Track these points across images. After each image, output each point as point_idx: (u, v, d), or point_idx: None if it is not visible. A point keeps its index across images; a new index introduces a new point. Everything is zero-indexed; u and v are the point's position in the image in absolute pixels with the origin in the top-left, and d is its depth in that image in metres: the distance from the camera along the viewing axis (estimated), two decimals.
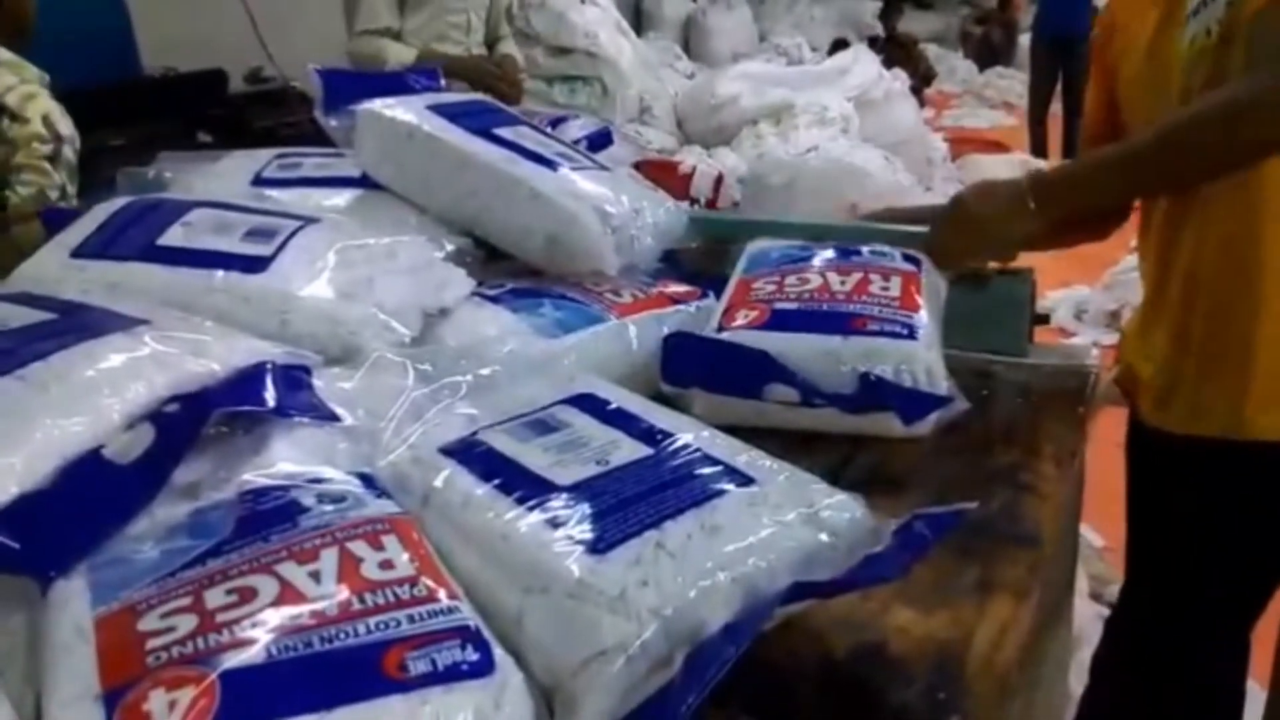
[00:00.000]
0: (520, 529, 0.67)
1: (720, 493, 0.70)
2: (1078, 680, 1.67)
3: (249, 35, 3.53)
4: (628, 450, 0.75)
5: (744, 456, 0.76)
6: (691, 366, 1.01)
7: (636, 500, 0.69)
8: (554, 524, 0.66)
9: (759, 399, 0.99)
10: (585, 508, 0.68)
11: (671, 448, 0.76)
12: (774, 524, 0.68)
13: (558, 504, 0.68)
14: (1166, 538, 1.34)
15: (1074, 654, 1.70)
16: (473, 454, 0.75)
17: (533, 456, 0.74)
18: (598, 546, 0.64)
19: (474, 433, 0.78)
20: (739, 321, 1.05)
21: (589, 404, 0.82)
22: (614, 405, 0.83)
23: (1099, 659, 1.49)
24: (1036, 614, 0.78)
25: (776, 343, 1.01)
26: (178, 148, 1.48)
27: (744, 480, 0.72)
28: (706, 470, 0.73)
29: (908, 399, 0.97)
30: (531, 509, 0.68)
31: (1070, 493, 1.08)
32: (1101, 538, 2.26)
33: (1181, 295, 1.23)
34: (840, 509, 0.71)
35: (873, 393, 0.97)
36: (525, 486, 0.70)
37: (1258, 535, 1.26)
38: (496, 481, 0.71)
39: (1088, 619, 1.99)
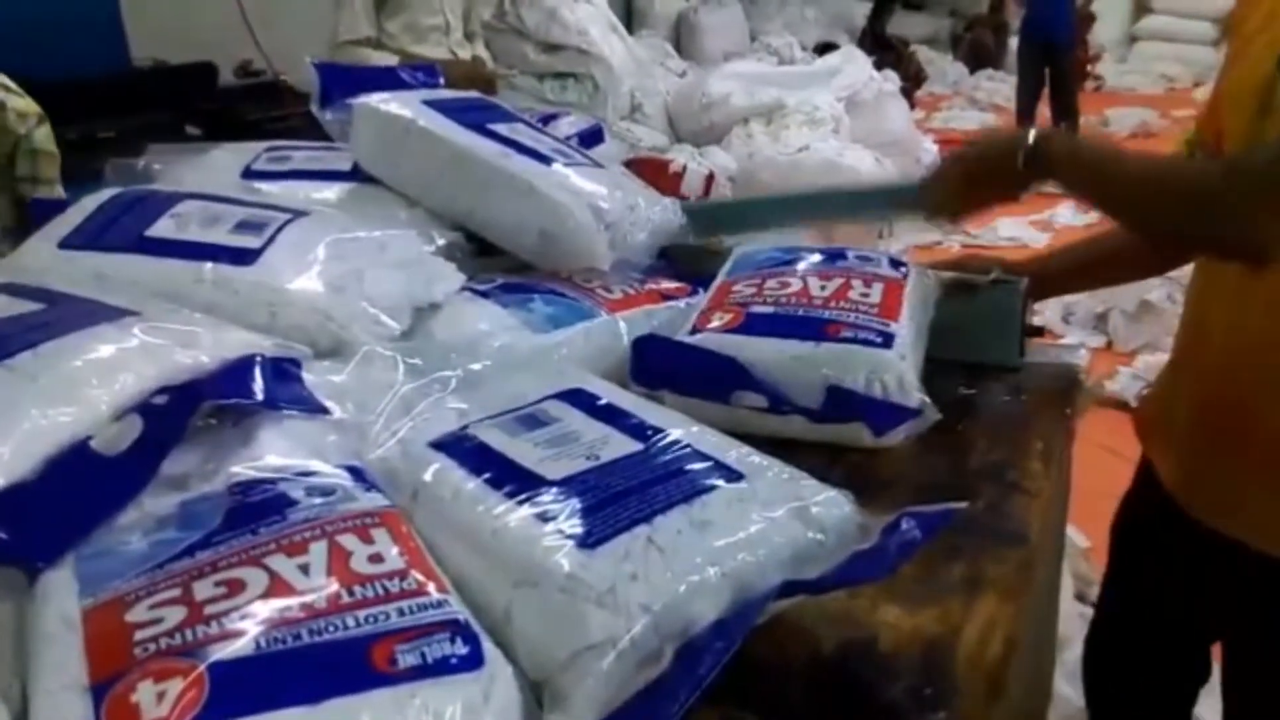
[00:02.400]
0: (510, 523, 0.67)
1: (710, 488, 0.70)
2: (1064, 680, 1.68)
3: (239, 28, 3.51)
4: (618, 445, 0.75)
5: (734, 453, 0.76)
6: (660, 368, 1.00)
7: (626, 495, 0.69)
8: (544, 518, 0.66)
9: (727, 404, 0.98)
10: (575, 502, 0.68)
11: (661, 443, 0.76)
12: (763, 520, 0.68)
13: (547, 499, 0.68)
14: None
15: (1060, 654, 1.71)
16: (462, 448, 0.75)
17: (523, 451, 0.74)
18: (587, 541, 0.64)
19: (464, 427, 0.78)
20: (713, 324, 1.04)
21: (579, 399, 0.82)
22: (604, 401, 0.83)
23: None
24: (1023, 612, 0.78)
25: (748, 347, 1.00)
26: (166, 140, 1.47)
27: (734, 476, 0.72)
28: (696, 466, 0.73)
29: (877, 410, 0.96)
30: (521, 503, 0.68)
31: (1057, 491, 1.08)
32: (1086, 538, 2.27)
33: (1231, 363, 1.07)
34: (829, 505, 0.72)
35: (840, 404, 0.96)
36: (515, 481, 0.70)
37: None
38: (486, 476, 0.71)
39: (1073, 619, 2.00)
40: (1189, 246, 1.07)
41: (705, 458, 0.74)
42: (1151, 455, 1.22)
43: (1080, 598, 2.13)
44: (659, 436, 0.77)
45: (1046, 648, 1.46)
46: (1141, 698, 1.27)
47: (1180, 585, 1.17)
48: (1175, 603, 1.19)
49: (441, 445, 0.75)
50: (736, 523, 0.67)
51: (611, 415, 0.80)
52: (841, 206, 1.44)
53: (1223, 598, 1.12)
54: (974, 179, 1.12)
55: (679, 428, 0.79)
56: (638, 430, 0.77)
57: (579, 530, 0.65)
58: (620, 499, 0.68)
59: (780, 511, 0.69)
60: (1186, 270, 1.20)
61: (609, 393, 0.85)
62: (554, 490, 0.69)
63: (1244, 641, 1.13)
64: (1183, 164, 1.10)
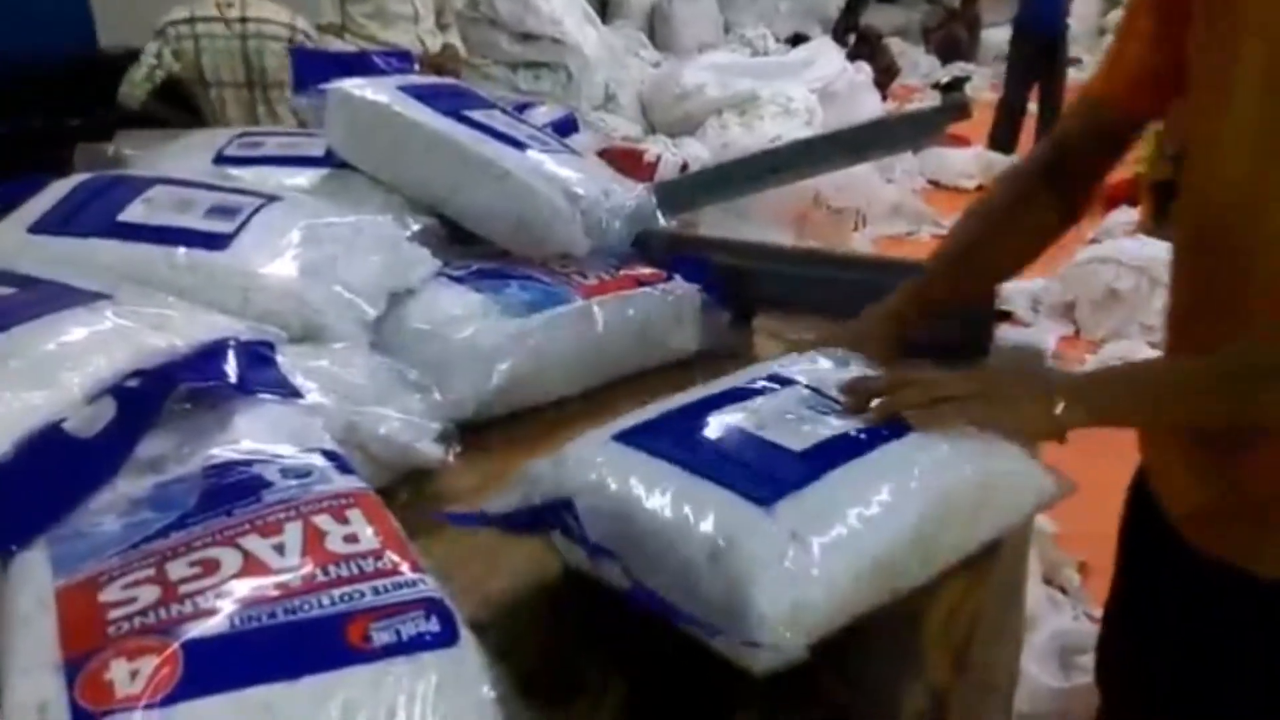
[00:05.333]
0: None
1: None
2: (1032, 660, 1.71)
3: None
4: None
5: None
6: None
7: None
8: None
9: None
10: None
11: None
12: None
13: None
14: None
15: (1028, 636, 1.74)
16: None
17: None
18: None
19: None
20: None
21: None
22: None
23: None
24: (989, 590, 0.80)
25: None
26: (135, 127, 1.46)
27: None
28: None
29: None
30: None
31: None
32: (1053, 524, 2.31)
33: None
34: None
35: None
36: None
37: None
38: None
39: (1041, 602, 2.04)
40: None
41: None
42: (1154, 482, 1.09)
43: (1048, 581, 2.17)
44: None
45: (1014, 628, 1.49)
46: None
47: (1177, 615, 1.06)
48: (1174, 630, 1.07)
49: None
50: None
51: None
52: (814, 156, 1.44)
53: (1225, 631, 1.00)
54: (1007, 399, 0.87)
55: None
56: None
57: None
58: None
59: None
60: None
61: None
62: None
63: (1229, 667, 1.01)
64: (1233, 356, 0.89)
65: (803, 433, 0.75)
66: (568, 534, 0.72)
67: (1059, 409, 0.84)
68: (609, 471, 0.71)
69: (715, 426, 0.76)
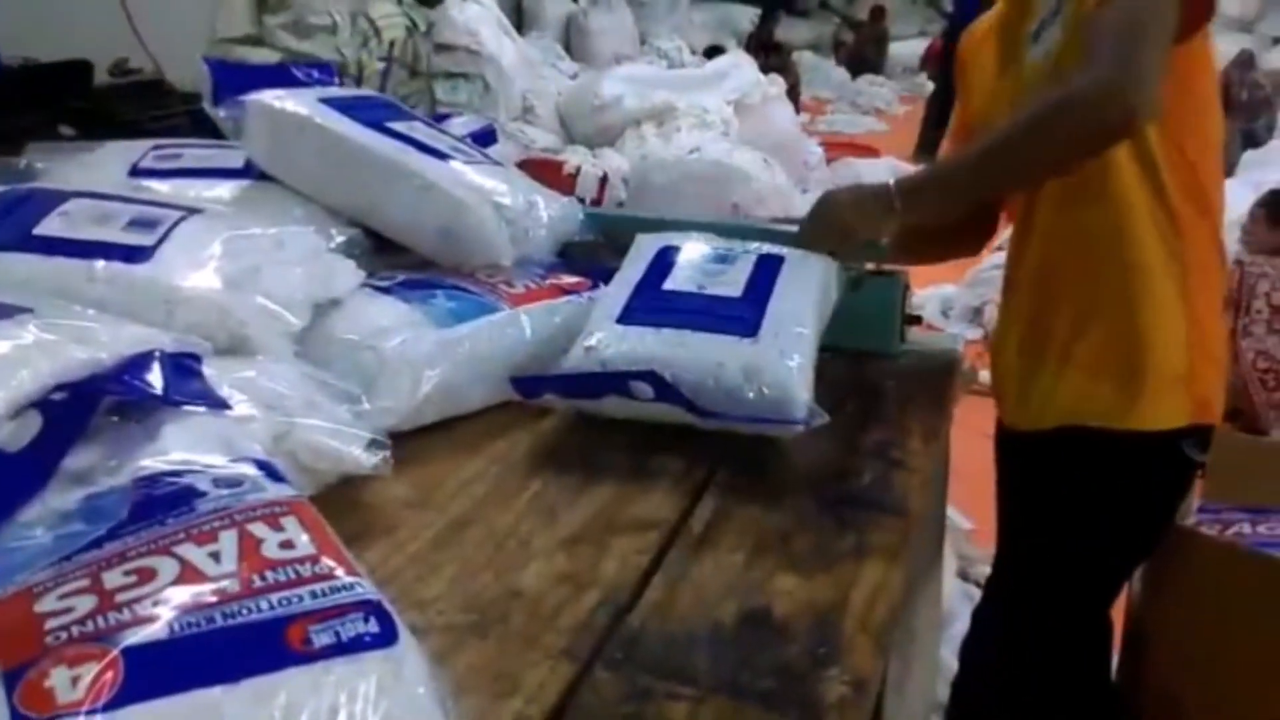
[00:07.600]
0: None
1: None
2: (949, 653, 1.77)
3: (114, 25, 3.39)
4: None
5: None
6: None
7: None
8: None
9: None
10: None
11: None
12: None
13: None
14: (1033, 530, 1.34)
15: (945, 629, 1.80)
16: None
17: None
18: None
19: None
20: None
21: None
22: None
23: (968, 647, 1.49)
24: (907, 576, 0.84)
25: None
26: (39, 141, 1.43)
27: None
28: None
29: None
30: None
31: (936, 467, 1.15)
32: (969, 520, 2.38)
33: (1033, 294, 1.25)
34: None
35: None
36: None
37: (1123, 522, 1.28)
38: None
39: (957, 597, 2.10)
40: (1080, 158, 1.13)
41: None
42: (998, 398, 1.37)
43: (964, 576, 2.24)
44: None
45: (931, 619, 1.54)
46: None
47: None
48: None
49: None
50: None
51: None
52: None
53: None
54: (846, 223, 1.16)
55: None
56: None
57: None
58: None
59: None
60: None
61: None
62: None
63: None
64: (1029, 104, 1.14)
65: (726, 281, 1.07)
66: (622, 393, 0.99)
67: (897, 204, 1.12)
68: (642, 343, 1.00)
69: (673, 296, 1.07)
